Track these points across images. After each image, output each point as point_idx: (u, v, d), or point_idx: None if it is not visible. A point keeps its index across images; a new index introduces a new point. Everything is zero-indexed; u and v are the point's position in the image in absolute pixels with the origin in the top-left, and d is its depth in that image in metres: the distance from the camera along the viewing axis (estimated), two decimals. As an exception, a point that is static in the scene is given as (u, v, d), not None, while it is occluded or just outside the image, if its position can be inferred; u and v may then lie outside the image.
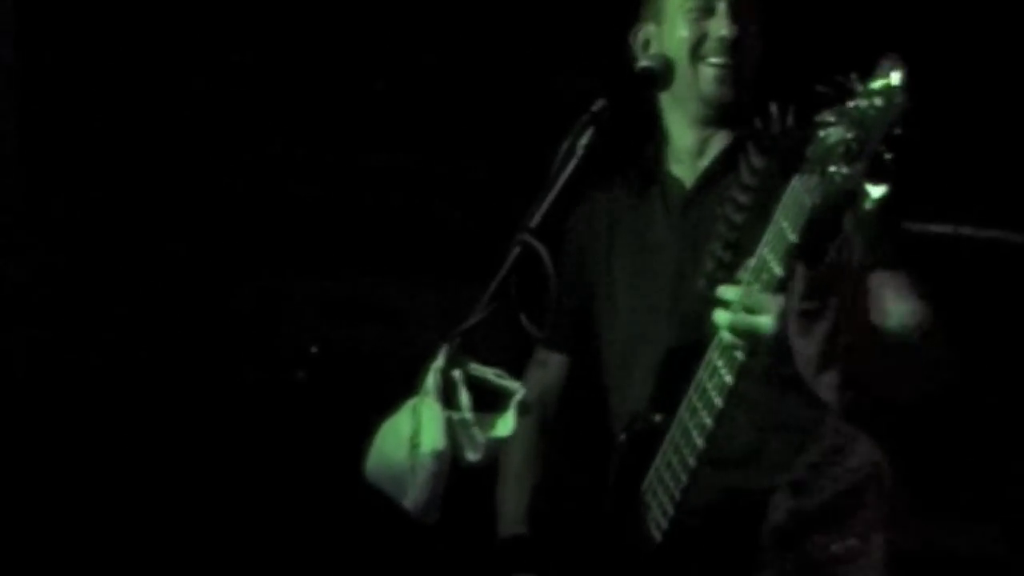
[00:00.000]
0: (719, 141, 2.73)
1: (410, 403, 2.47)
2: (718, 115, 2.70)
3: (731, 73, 2.64)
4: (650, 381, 2.68)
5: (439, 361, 2.45)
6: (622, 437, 2.73)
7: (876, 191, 2.09)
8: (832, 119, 2.10)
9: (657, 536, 2.63)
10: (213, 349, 4.19)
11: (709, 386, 2.46)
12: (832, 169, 2.11)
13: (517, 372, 2.53)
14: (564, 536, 2.88)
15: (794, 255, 2.26)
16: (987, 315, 3.68)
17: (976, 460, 3.80)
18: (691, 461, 2.53)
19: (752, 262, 2.36)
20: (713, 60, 2.65)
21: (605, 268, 2.86)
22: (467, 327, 2.42)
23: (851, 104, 2.09)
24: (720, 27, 2.64)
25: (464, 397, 2.45)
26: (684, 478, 2.55)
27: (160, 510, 4.11)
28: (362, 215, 4.21)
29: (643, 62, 2.65)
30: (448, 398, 2.46)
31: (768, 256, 2.32)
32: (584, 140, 2.50)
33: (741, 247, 2.45)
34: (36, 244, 4.19)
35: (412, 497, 2.45)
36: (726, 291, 2.38)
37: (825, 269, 2.23)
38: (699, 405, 2.49)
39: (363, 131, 4.29)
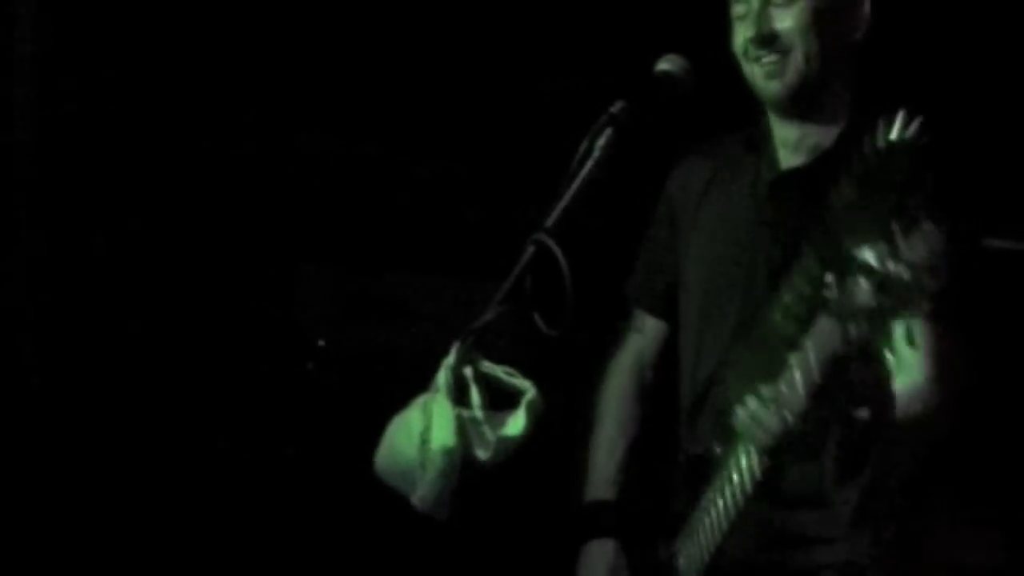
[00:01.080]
0: (815, 139, 2.71)
1: (421, 399, 2.48)
2: (780, 108, 2.71)
3: (773, 68, 2.65)
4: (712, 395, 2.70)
5: (451, 358, 2.46)
6: (686, 453, 2.74)
7: (900, 328, 2.14)
8: (870, 263, 2.08)
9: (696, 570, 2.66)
10: (226, 340, 4.19)
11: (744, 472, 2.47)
12: (851, 327, 2.14)
13: (529, 371, 2.52)
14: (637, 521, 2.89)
15: (818, 390, 2.29)
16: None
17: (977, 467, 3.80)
18: (733, 512, 2.53)
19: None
20: (752, 58, 2.67)
21: (691, 232, 2.86)
22: (480, 325, 2.43)
23: (881, 266, 2.07)
24: (748, 27, 2.66)
25: (476, 395, 2.45)
26: (732, 516, 2.55)
27: (167, 500, 4.11)
28: (379, 210, 4.22)
29: (661, 65, 2.64)
30: (460, 396, 2.46)
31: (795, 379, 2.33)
32: (602, 141, 2.50)
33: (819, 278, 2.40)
34: (48, 230, 4.18)
35: (421, 493, 2.45)
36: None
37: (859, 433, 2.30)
38: (744, 457, 2.48)
39: (383, 127, 4.30)
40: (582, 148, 2.52)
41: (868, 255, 2.09)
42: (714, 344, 2.74)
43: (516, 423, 2.46)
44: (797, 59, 2.64)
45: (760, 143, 2.78)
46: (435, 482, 2.44)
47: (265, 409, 4.09)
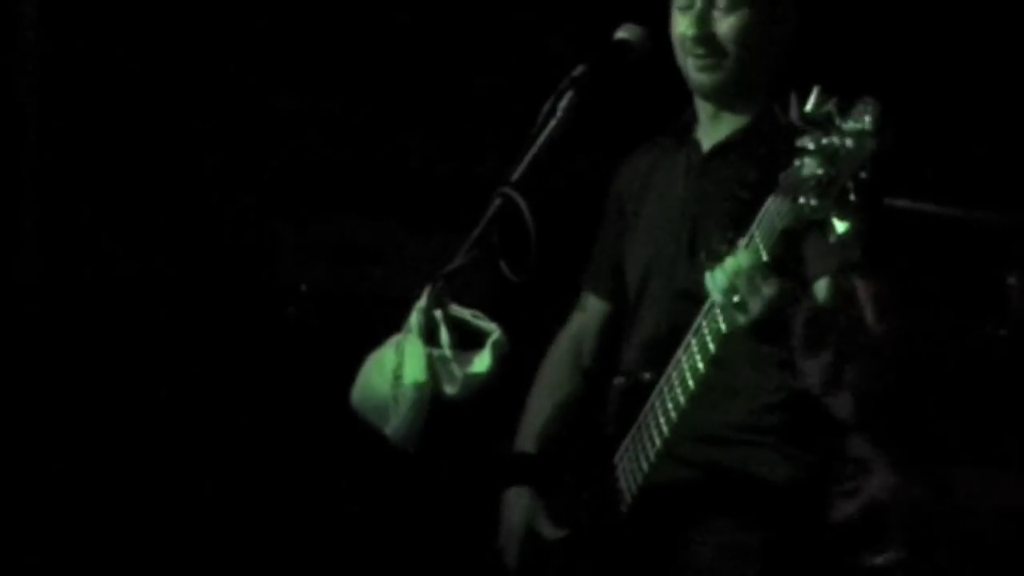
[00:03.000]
0: (733, 118, 2.87)
1: (395, 339, 2.65)
2: (709, 99, 2.88)
3: (706, 65, 2.81)
4: (648, 334, 2.87)
5: (423, 301, 2.64)
6: (615, 385, 2.90)
7: (841, 226, 2.25)
8: (811, 146, 2.24)
9: (628, 497, 2.82)
10: (208, 285, 4.29)
11: (695, 350, 2.61)
12: (802, 200, 2.27)
13: (495, 315, 2.69)
14: (565, 467, 3.03)
15: (768, 270, 2.43)
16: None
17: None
18: (666, 429, 2.70)
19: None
20: (687, 51, 2.83)
21: (634, 216, 3.03)
22: (450, 271, 2.61)
23: (825, 140, 2.23)
24: (689, 25, 2.81)
25: (445, 335, 2.63)
26: (658, 443, 2.73)
27: (149, 441, 4.19)
28: (359, 167, 4.31)
29: (620, 33, 2.80)
30: (430, 336, 2.64)
31: (747, 250, 2.48)
32: (564, 102, 2.68)
33: (744, 224, 2.56)
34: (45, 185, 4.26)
35: (393, 425, 2.63)
36: (728, 264, 2.50)
37: (823, 310, 2.42)
38: (686, 367, 2.64)
39: (358, 87, 4.39)
40: (545, 108, 2.69)
41: (807, 140, 2.25)
42: (651, 308, 2.90)
43: (482, 361, 2.64)
44: (730, 63, 2.79)
45: (689, 128, 2.94)
46: (407, 415, 2.62)
47: (249, 350, 4.21)
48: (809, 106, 2.27)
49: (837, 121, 2.23)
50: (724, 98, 2.86)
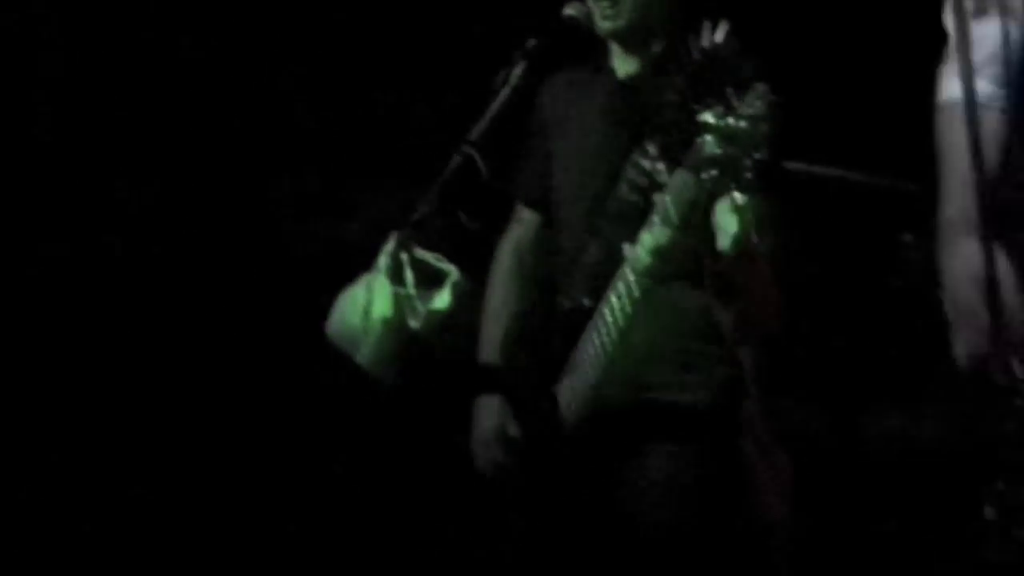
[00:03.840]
0: (643, 51, 3.07)
1: (365, 278, 2.95)
2: (616, 41, 3.11)
3: (608, 11, 3.02)
4: (583, 260, 3.03)
5: (390, 246, 2.93)
6: (558, 307, 3.08)
7: (740, 199, 2.58)
8: (712, 122, 2.53)
9: (571, 418, 2.99)
10: (191, 241, 4.41)
11: (623, 293, 2.79)
12: (704, 176, 2.58)
13: (455, 259, 2.96)
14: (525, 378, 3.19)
15: (681, 237, 2.67)
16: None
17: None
18: (599, 363, 2.87)
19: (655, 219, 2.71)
20: (593, 2, 3.04)
21: (558, 142, 3.21)
22: (415, 219, 2.91)
23: (723, 122, 2.52)
24: None
25: (410, 276, 2.92)
26: (591, 376, 2.91)
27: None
28: (337, 128, 4.49)
29: (568, 11, 3.09)
30: (397, 277, 2.93)
31: (662, 225, 2.71)
32: (517, 71, 3.00)
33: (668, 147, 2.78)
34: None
35: (364, 354, 2.93)
36: (644, 240, 2.71)
37: (727, 263, 2.67)
38: (616, 305, 2.82)
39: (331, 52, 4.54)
40: (499, 77, 3.00)
41: (709, 116, 2.52)
42: (579, 224, 3.08)
43: (442, 299, 2.92)
44: (627, 7, 3.01)
45: (604, 59, 3.16)
46: (375, 346, 2.91)
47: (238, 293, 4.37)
48: (707, 41, 2.57)
49: (735, 103, 2.52)
50: (629, 39, 3.09)
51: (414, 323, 2.94)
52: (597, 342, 2.88)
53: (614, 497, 2.96)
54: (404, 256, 2.95)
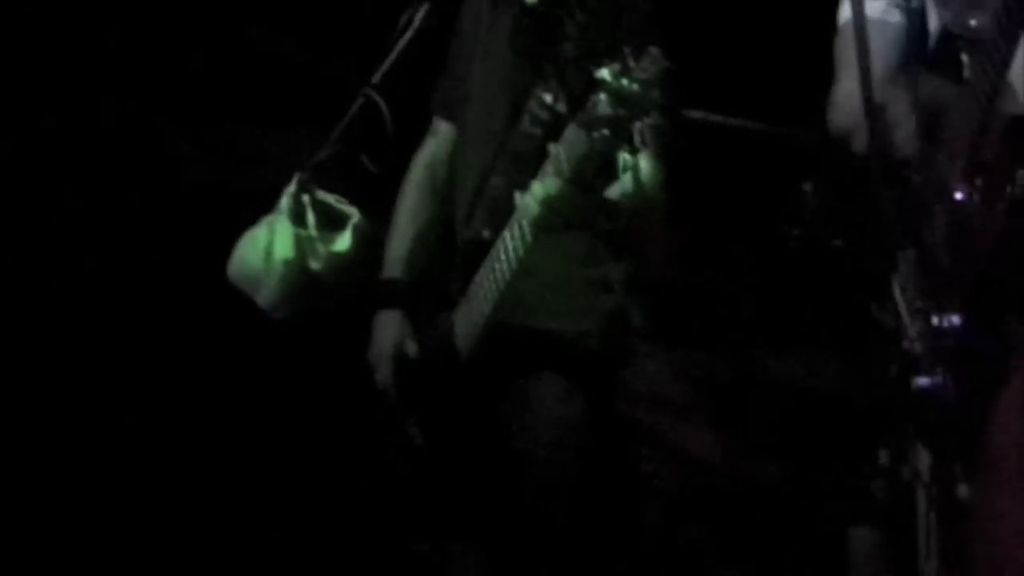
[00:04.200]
0: None
1: (267, 219, 2.98)
2: None
3: None
4: (485, 192, 3.04)
5: (292, 187, 2.97)
6: (460, 237, 3.09)
7: (629, 158, 2.65)
8: (608, 80, 2.56)
9: (466, 348, 3.00)
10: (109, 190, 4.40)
11: (517, 235, 2.81)
12: (595, 135, 2.63)
13: (356, 201, 3.01)
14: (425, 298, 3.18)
15: (572, 190, 2.72)
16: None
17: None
18: (500, 286, 2.88)
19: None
20: None
21: (474, 61, 3.17)
22: (316, 161, 2.95)
23: (617, 83, 2.56)
24: None
25: (311, 218, 2.96)
26: (486, 310, 2.92)
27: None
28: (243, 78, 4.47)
29: None
30: (299, 219, 2.97)
31: (554, 176, 2.75)
32: (420, 14, 3.02)
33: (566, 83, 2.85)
34: None
35: (264, 295, 2.97)
36: (536, 190, 2.76)
37: (617, 219, 2.75)
38: (509, 246, 2.84)
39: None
40: (403, 20, 3.02)
41: (605, 73, 2.56)
42: (483, 152, 3.05)
43: (343, 241, 2.98)
44: None
45: None
46: (276, 287, 2.96)
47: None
48: None
49: (631, 64, 2.57)
50: None
51: (315, 264, 2.98)
52: (491, 276, 2.90)
53: (502, 430, 2.98)
54: (306, 198, 2.99)
